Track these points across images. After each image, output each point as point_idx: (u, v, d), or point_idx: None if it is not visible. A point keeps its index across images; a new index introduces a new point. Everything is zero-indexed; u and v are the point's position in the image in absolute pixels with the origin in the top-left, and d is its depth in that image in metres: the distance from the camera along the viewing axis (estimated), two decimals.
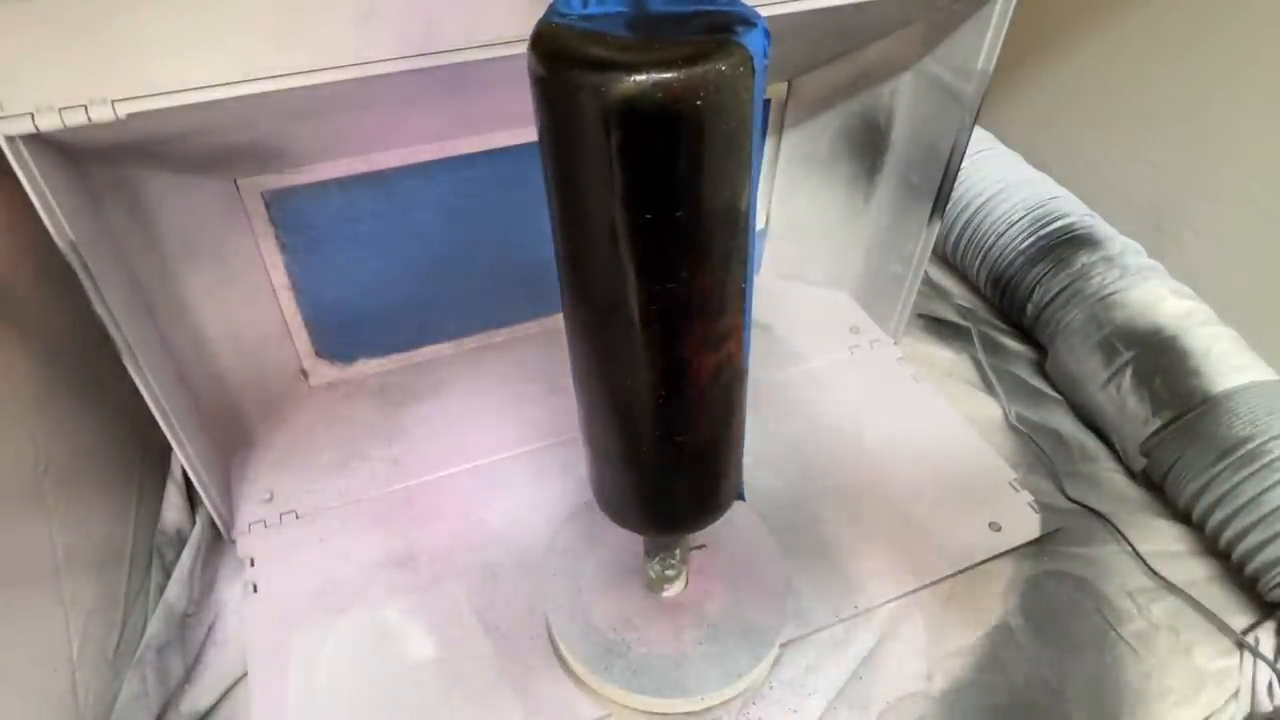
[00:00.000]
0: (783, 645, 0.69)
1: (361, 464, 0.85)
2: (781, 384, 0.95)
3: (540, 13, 0.39)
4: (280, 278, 0.83)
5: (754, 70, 0.37)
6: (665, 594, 0.68)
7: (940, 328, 1.04)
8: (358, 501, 0.81)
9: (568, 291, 0.48)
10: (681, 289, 0.43)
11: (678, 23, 0.38)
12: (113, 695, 0.63)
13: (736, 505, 0.59)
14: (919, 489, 0.84)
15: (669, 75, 0.35)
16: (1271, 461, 0.74)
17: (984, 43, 0.74)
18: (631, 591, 0.69)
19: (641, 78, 0.34)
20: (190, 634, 0.71)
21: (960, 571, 0.76)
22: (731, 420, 0.54)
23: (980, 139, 1.10)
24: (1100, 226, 0.98)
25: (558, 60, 0.36)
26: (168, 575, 0.72)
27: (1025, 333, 1.03)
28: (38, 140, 0.51)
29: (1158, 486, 0.85)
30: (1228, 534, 0.76)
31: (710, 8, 0.39)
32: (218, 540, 0.78)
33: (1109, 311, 0.89)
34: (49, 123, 0.49)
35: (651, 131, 0.36)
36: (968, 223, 1.05)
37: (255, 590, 0.73)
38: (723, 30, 0.37)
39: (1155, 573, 0.77)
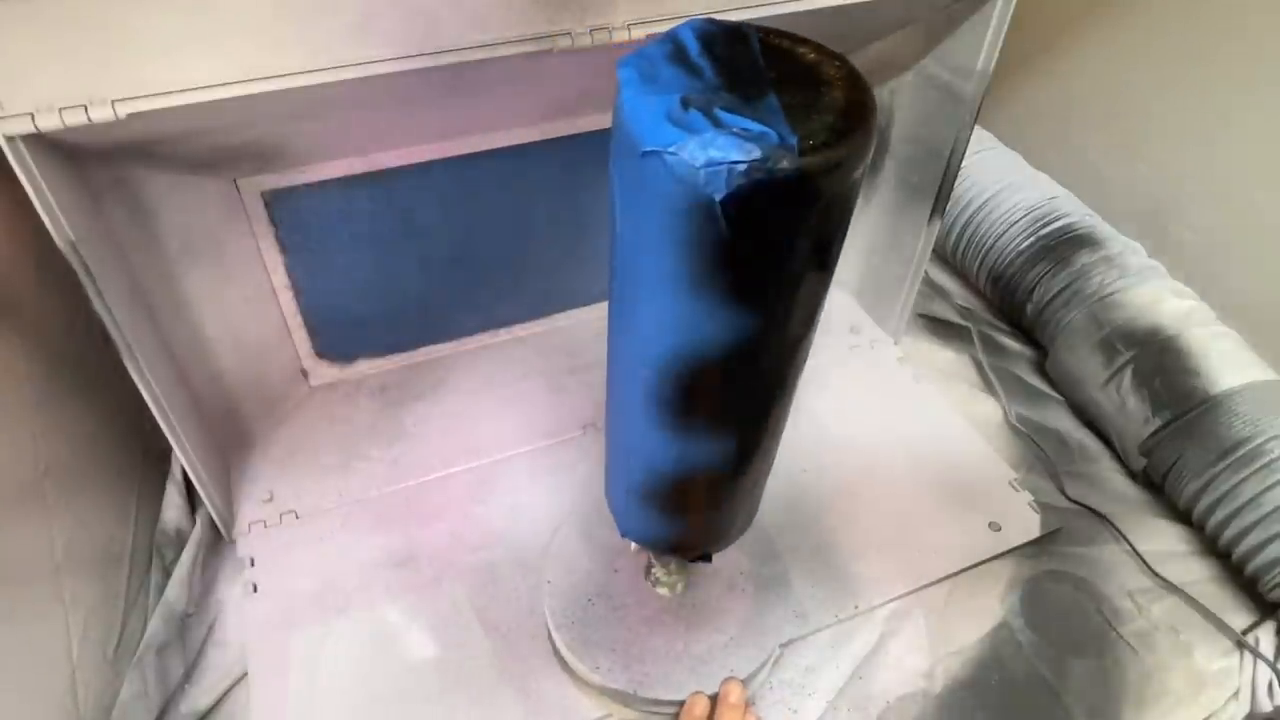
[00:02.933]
0: (783, 645, 0.69)
1: (361, 464, 0.85)
2: None
3: (540, 12, 0.39)
4: (280, 278, 0.83)
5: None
6: (665, 594, 0.68)
7: (940, 328, 1.04)
8: (358, 501, 0.81)
9: (669, 359, 0.45)
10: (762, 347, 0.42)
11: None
12: (113, 695, 0.63)
13: None
14: (919, 489, 0.84)
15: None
16: (1271, 461, 0.74)
17: (984, 43, 0.74)
18: (632, 590, 0.69)
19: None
20: (190, 634, 0.71)
21: (960, 571, 0.76)
22: (768, 459, 0.54)
23: (980, 139, 1.10)
24: (1100, 226, 0.98)
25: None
26: (168, 575, 0.72)
27: (1025, 333, 1.03)
28: (38, 140, 0.51)
29: (1158, 486, 0.85)
30: (1228, 534, 0.76)
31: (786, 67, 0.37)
32: (218, 540, 0.78)
33: (1109, 311, 0.89)
34: (49, 123, 0.49)
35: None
36: (968, 223, 1.05)
37: (255, 590, 0.73)
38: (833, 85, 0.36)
39: (1155, 573, 0.77)
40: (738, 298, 0.38)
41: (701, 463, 0.49)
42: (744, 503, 0.56)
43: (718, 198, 0.33)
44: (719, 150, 0.32)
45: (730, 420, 0.47)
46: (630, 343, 0.45)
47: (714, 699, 0.62)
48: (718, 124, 0.33)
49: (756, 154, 0.32)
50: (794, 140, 0.32)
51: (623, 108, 0.35)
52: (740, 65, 0.37)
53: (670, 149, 0.33)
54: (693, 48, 0.38)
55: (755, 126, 0.33)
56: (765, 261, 0.37)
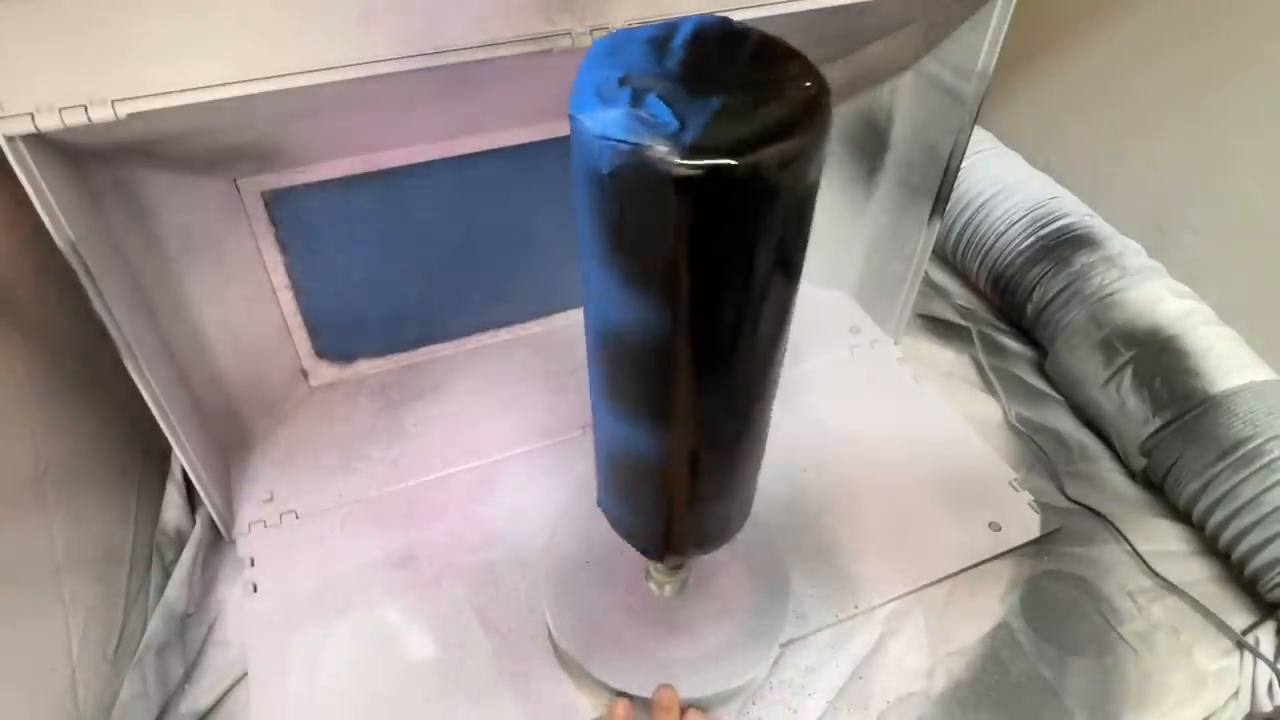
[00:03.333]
0: (783, 645, 0.69)
1: (362, 464, 0.85)
2: (782, 384, 0.94)
3: (540, 12, 0.39)
4: (280, 278, 0.83)
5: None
6: (664, 594, 0.68)
7: (940, 328, 1.04)
8: (358, 501, 0.81)
9: (598, 333, 0.46)
10: (734, 341, 0.42)
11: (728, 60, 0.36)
12: (112, 695, 0.63)
13: None
14: (919, 489, 0.84)
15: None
16: (1271, 461, 0.74)
17: (984, 43, 0.74)
18: (631, 590, 0.69)
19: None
20: (190, 634, 0.71)
21: (960, 571, 0.76)
22: (755, 461, 0.54)
23: (980, 139, 1.10)
24: (1100, 226, 0.98)
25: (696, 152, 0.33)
26: (168, 575, 0.72)
27: (1025, 333, 1.03)
28: (38, 140, 0.51)
29: (1158, 486, 0.85)
30: (1228, 534, 0.76)
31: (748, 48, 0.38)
32: (218, 540, 0.78)
33: (1109, 311, 0.89)
34: (49, 123, 0.49)
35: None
36: (968, 223, 1.05)
37: (255, 590, 0.73)
38: (784, 65, 0.36)
39: (1155, 573, 0.77)
40: (635, 281, 0.39)
41: (640, 451, 0.49)
42: (703, 507, 0.54)
43: (604, 171, 0.34)
44: (613, 127, 0.33)
45: (657, 412, 0.47)
46: (585, 310, 0.46)
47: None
48: (637, 105, 0.34)
49: (644, 139, 0.33)
50: (687, 137, 0.33)
51: (578, 72, 0.37)
52: (715, 63, 0.37)
53: (581, 115, 0.35)
54: (680, 37, 0.38)
55: (665, 115, 0.34)
56: (653, 249, 0.37)
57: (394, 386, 0.93)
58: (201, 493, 0.73)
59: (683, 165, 0.32)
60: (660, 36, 0.38)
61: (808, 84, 0.36)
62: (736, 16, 0.51)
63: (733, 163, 0.33)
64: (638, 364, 0.44)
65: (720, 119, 0.34)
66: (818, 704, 0.67)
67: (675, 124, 0.33)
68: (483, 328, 0.98)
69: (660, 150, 0.33)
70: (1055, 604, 0.75)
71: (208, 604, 0.74)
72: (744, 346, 0.43)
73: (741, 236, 0.37)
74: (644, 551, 0.60)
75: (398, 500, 0.82)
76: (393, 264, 0.86)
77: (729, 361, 0.43)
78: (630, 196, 0.35)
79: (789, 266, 0.41)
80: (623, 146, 0.33)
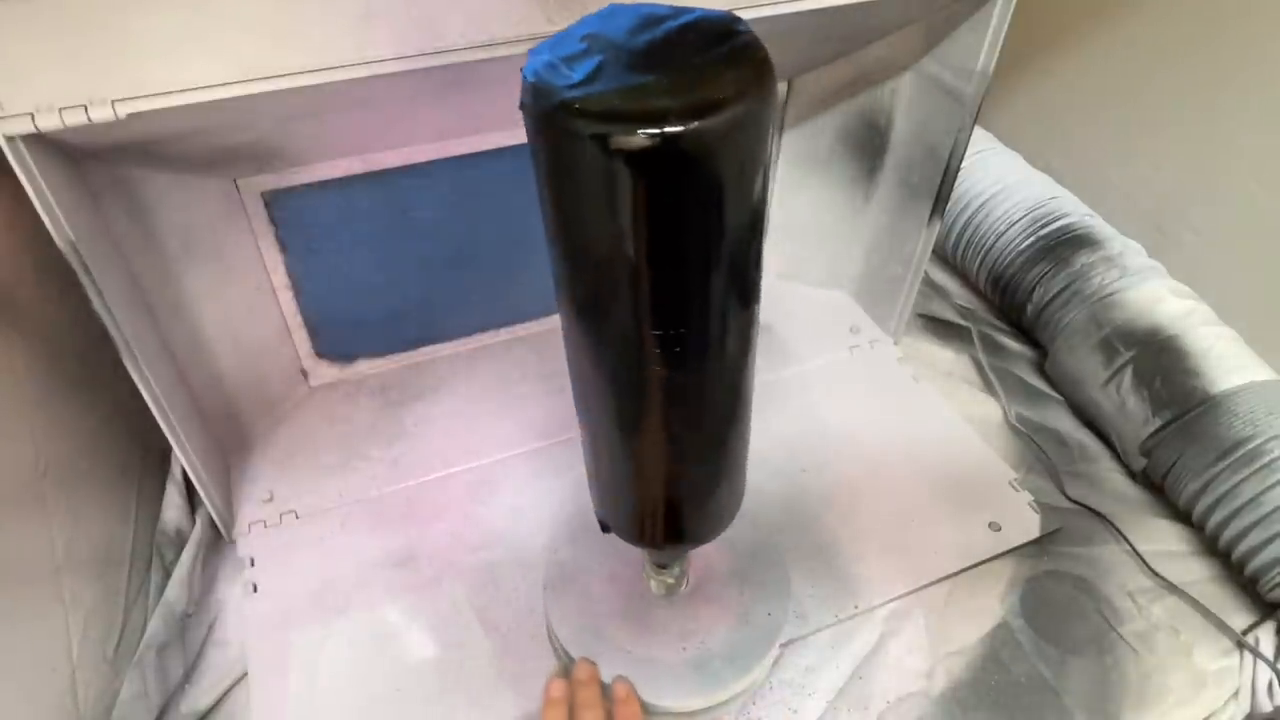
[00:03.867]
0: (783, 645, 0.69)
1: (361, 464, 0.85)
2: (781, 384, 0.95)
3: (540, 12, 0.39)
4: (280, 278, 0.83)
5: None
6: (664, 594, 0.68)
7: (940, 328, 1.04)
8: (358, 501, 0.81)
9: (570, 314, 0.48)
10: (699, 321, 0.42)
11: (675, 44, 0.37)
12: (112, 695, 0.63)
13: None
14: (919, 489, 0.84)
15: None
16: (1271, 461, 0.74)
17: (984, 43, 0.74)
18: (631, 591, 0.69)
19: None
20: (190, 634, 0.71)
21: (960, 571, 0.76)
22: (739, 441, 0.54)
23: (980, 139, 1.10)
24: (1100, 226, 0.98)
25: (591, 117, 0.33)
26: (168, 575, 0.72)
27: (1025, 333, 1.03)
28: (37, 140, 0.51)
29: (1158, 486, 0.85)
30: (1228, 534, 0.76)
31: (688, 19, 0.38)
32: (218, 540, 0.78)
33: (1109, 311, 0.89)
34: (49, 123, 0.49)
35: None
36: (968, 223, 1.05)
37: (255, 590, 0.73)
38: (728, 40, 0.36)
39: (1155, 573, 0.77)
40: (553, 232, 0.41)
41: (597, 423, 0.50)
42: (683, 494, 0.54)
43: (519, 101, 0.36)
44: (539, 66, 0.35)
45: (602, 375, 0.48)
46: (584, 315, 0.48)
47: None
48: (571, 61, 0.36)
49: (546, 80, 0.34)
50: (592, 90, 0.34)
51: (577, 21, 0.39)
52: (682, 51, 0.37)
53: (533, 53, 0.37)
54: (676, 22, 0.38)
55: (580, 74, 0.35)
56: (555, 195, 0.39)
57: (394, 386, 0.94)
58: (201, 493, 0.73)
59: (545, 107, 0.34)
60: (657, 15, 0.38)
61: (730, 91, 0.35)
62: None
63: (635, 132, 0.33)
64: (574, 316, 0.47)
65: (646, 92, 0.34)
66: (818, 704, 0.67)
67: (574, 79, 0.34)
68: (483, 328, 0.98)
69: (561, 93, 0.34)
70: (1055, 604, 0.75)
71: (208, 604, 0.74)
72: (597, 321, 0.45)
73: (584, 195, 0.37)
74: (647, 546, 0.60)
75: (398, 500, 0.82)
76: (393, 264, 0.86)
77: (611, 334, 0.44)
78: (542, 135, 0.37)
79: (693, 244, 0.39)
80: (528, 81, 0.35)
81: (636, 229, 0.37)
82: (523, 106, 0.36)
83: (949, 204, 0.91)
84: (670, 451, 0.50)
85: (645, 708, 0.63)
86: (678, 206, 0.36)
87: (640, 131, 0.33)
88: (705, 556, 0.71)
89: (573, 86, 0.34)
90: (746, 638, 0.67)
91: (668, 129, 0.33)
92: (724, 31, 0.37)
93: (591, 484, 0.58)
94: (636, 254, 0.38)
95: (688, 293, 0.41)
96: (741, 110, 0.34)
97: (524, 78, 0.36)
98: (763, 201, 0.41)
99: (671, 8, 0.39)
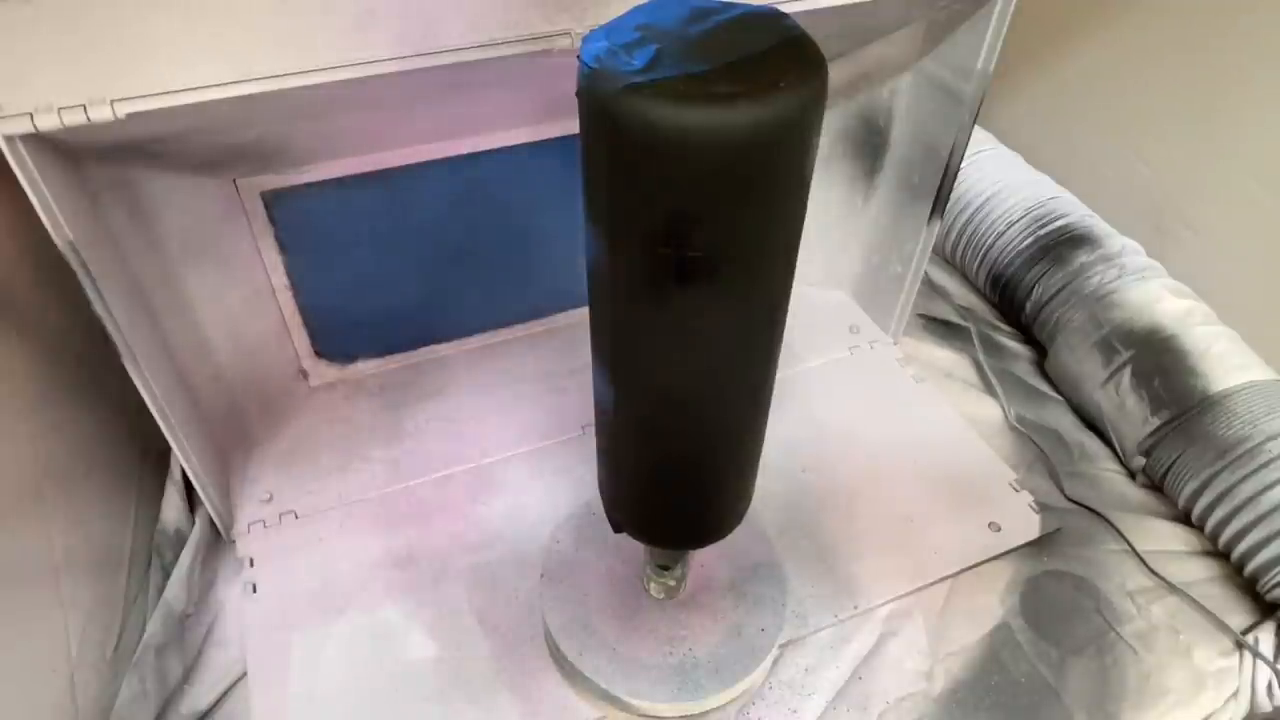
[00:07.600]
0: (782, 645, 0.69)
1: (361, 464, 0.85)
2: (781, 384, 0.94)
3: (539, 12, 0.39)
4: (280, 278, 0.83)
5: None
6: (663, 596, 0.68)
7: (940, 328, 1.04)
8: (357, 502, 0.81)
9: (609, 300, 0.47)
10: (732, 314, 0.43)
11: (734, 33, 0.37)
12: (112, 696, 0.63)
13: None
14: (919, 489, 0.84)
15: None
16: (1270, 461, 0.74)
17: (984, 43, 0.74)
18: (630, 591, 0.69)
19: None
20: (190, 634, 0.71)
21: (960, 571, 0.76)
22: (755, 442, 0.54)
23: (980, 139, 1.10)
24: (1099, 226, 0.98)
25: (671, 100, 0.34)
26: (167, 575, 0.72)
27: (1025, 332, 1.03)
28: (37, 140, 0.51)
29: (1157, 486, 0.85)
30: (1227, 534, 0.76)
31: (736, 12, 0.38)
32: (217, 540, 0.78)
33: (1108, 311, 0.89)
34: (49, 123, 0.49)
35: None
36: (968, 223, 1.05)
37: (255, 590, 0.73)
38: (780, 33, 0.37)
39: (1155, 573, 0.77)
40: (601, 220, 0.41)
41: (608, 404, 0.50)
42: (737, 480, 0.55)
43: (575, 89, 0.37)
44: (597, 50, 0.36)
45: (611, 358, 0.48)
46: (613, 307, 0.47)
47: None
48: (631, 49, 0.36)
49: (609, 66, 0.35)
50: (648, 79, 0.34)
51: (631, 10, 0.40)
52: (738, 39, 0.37)
53: (585, 42, 0.37)
54: (725, 15, 0.39)
55: (640, 61, 0.35)
56: (596, 181, 0.39)
57: (394, 387, 0.93)
58: (201, 493, 0.73)
59: (611, 92, 0.34)
60: (707, 8, 0.39)
61: (791, 78, 0.36)
62: None
63: (651, 100, 0.34)
64: (599, 304, 0.45)
65: (701, 85, 0.34)
66: (818, 704, 0.67)
67: (636, 65, 0.35)
68: (483, 328, 0.98)
69: (605, 80, 0.34)
70: (1055, 604, 0.75)
71: (207, 604, 0.74)
72: (617, 292, 0.44)
73: (658, 179, 0.37)
74: (656, 544, 0.60)
75: (397, 500, 0.82)
76: (393, 264, 0.86)
77: (630, 312, 0.44)
78: (586, 124, 0.37)
79: (723, 236, 0.40)
80: (584, 69, 0.36)
81: (696, 212, 0.37)
82: (580, 92, 0.36)
83: (949, 204, 0.91)
84: (691, 446, 0.50)
85: (622, 706, 0.63)
86: (739, 189, 0.37)
87: (709, 114, 0.34)
88: (705, 566, 0.71)
89: (637, 72, 0.34)
90: (735, 651, 0.66)
91: (736, 112, 0.34)
92: (773, 24, 0.38)
93: (604, 482, 0.58)
94: (695, 238, 0.38)
95: (741, 281, 0.42)
96: (803, 95, 0.35)
97: (582, 63, 0.36)
98: (808, 190, 0.41)
99: (718, 1, 0.40)
